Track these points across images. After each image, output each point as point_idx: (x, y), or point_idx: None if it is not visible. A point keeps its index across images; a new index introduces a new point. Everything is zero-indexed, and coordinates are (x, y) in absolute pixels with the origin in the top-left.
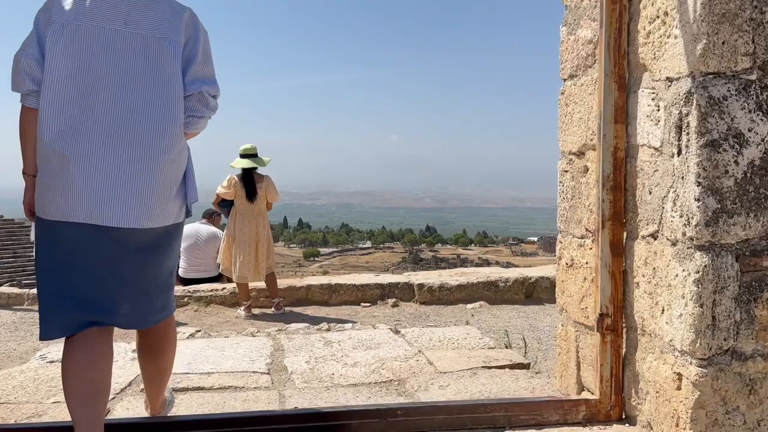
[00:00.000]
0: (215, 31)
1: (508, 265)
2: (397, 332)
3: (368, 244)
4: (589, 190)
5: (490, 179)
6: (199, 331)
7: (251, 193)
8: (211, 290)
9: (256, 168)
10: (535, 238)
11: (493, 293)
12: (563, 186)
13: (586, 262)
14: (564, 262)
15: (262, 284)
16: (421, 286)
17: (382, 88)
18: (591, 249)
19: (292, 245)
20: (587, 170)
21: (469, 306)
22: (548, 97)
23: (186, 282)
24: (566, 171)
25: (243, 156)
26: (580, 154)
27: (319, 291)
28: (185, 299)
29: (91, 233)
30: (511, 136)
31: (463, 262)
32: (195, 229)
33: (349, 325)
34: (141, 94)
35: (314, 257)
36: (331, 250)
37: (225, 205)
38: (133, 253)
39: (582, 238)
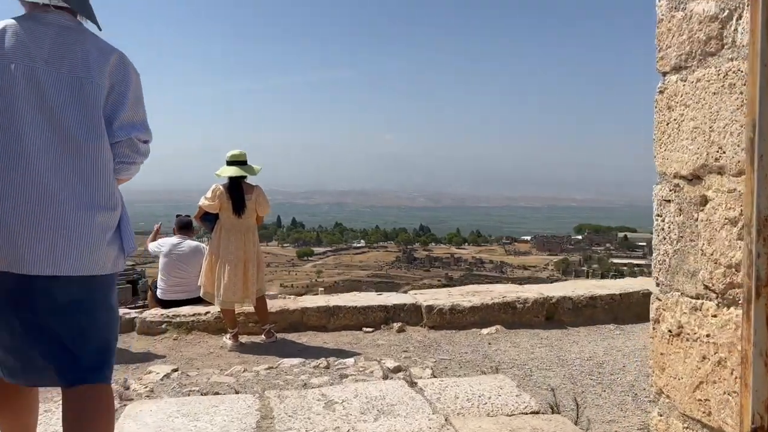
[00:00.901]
0: (207, 27)
1: (503, 264)
2: (413, 384)
3: (362, 243)
4: (711, 231)
5: (484, 178)
6: (176, 370)
7: (239, 206)
8: (193, 314)
9: (245, 177)
10: (528, 237)
11: (510, 316)
12: (664, 222)
13: (707, 335)
14: (665, 328)
15: (250, 308)
16: (430, 308)
17: (377, 87)
18: (714, 317)
19: (285, 244)
20: (706, 202)
21: (485, 331)
22: (542, 98)
23: (165, 304)
24: (669, 201)
25: (230, 163)
26: (695, 178)
27: (315, 314)
28: (163, 325)
29: (7, 280)
30: (505, 136)
31: (457, 262)
32: (173, 243)
33: (351, 360)
34: (64, 136)
35: (308, 257)
36: (324, 249)
37: (208, 219)
38: (55, 303)
39: (697, 298)
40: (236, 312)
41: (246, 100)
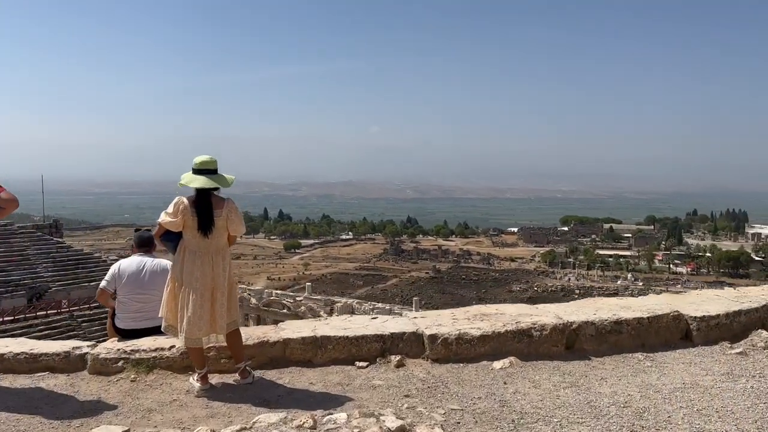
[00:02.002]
0: (187, 15)
1: (490, 256)
2: None
3: (350, 235)
4: None
5: (471, 171)
6: (127, 431)
7: (207, 224)
8: (155, 349)
9: (216, 189)
10: (515, 229)
11: (526, 345)
12: None
13: None
14: None
15: (223, 341)
16: (433, 338)
17: (363, 79)
18: None
19: (272, 237)
20: None
21: (497, 365)
22: (527, 90)
23: (126, 334)
24: None
25: (198, 171)
26: None
27: (300, 347)
28: (120, 363)
29: None
30: (491, 128)
31: (445, 254)
32: (135, 263)
33: (343, 417)
34: None
35: (295, 249)
36: (312, 241)
37: (170, 238)
38: None
39: None
40: (206, 347)
41: (231, 91)
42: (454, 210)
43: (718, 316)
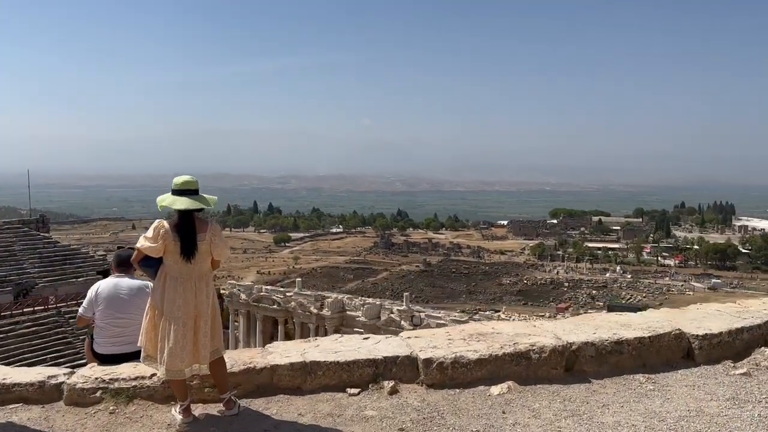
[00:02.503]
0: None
1: (480, 249)
2: None
3: (340, 228)
4: None
5: (460, 163)
6: None
7: (189, 248)
8: (136, 378)
9: (201, 209)
10: (505, 222)
11: (524, 368)
12: None
13: None
14: None
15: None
16: (428, 362)
17: (354, 71)
18: None
19: (262, 230)
20: None
21: (495, 390)
22: (518, 85)
23: (105, 360)
24: None
25: (179, 192)
26: None
27: (288, 374)
28: (98, 393)
29: None
30: (480, 121)
31: (435, 247)
32: (112, 284)
33: None
34: None
35: (285, 243)
36: (302, 235)
37: (150, 264)
38: None
39: None
40: (188, 377)
41: (221, 84)
42: (444, 203)
43: (720, 334)
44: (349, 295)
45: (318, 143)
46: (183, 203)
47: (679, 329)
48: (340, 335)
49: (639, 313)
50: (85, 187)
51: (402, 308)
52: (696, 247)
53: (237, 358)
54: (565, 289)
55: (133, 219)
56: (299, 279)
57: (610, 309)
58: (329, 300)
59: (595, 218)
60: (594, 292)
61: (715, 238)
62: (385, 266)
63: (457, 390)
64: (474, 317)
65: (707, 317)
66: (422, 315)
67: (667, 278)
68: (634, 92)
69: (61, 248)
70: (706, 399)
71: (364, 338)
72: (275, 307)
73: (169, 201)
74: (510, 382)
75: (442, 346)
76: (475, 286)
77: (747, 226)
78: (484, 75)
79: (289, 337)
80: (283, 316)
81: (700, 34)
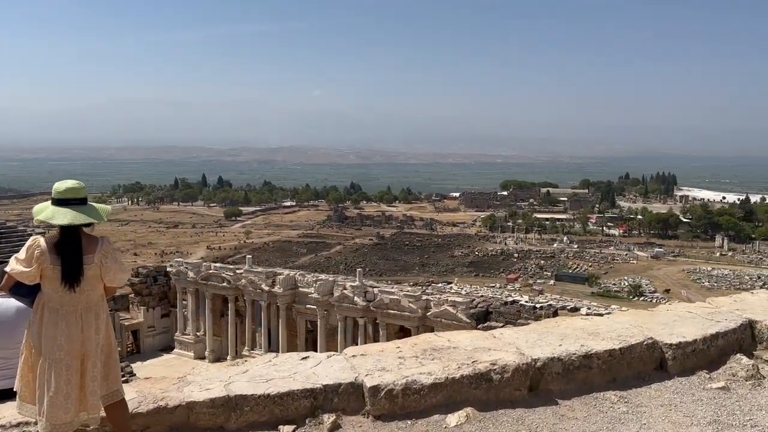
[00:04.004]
0: None
1: (432, 222)
2: None
3: (292, 202)
4: None
5: (414, 135)
6: None
7: (72, 273)
8: (18, 425)
9: (89, 224)
10: (457, 194)
11: (484, 391)
12: None
13: None
14: None
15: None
16: (375, 390)
17: (304, 40)
18: None
19: (212, 204)
20: None
21: (452, 421)
22: (467, 56)
23: None
24: None
25: (60, 202)
26: None
27: (208, 411)
28: None
29: None
30: (433, 92)
31: (388, 220)
32: None
33: None
34: None
35: (236, 217)
36: (253, 209)
37: (23, 292)
38: None
39: None
40: (77, 428)
41: (166, 52)
42: (397, 175)
43: (694, 341)
44: (301, 272)
45: (269, 114)
46: (65, 216)
47: (652, 338)
48: (275, 355)
49: (606, 316)
50: (24, 160)
51: (355, 284)
52: (639, 217)
53: (147, 394)
54: (515, 259)
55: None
56: (249, 256)
57: (558, 278)
58: (281, 277)
59: (544, 190)
60: (542, 262)
61: (657, 208)
62: (338, 240)
63: (409, 422)
64: (426, 291)
65: (678, 321)
66: (375, 291)
67: (612, 248)
68: (581, 65)
69: None
70: (685, 424)
71: (302, 358)
72: (225, 284)
73: (47, 213)
74: (469, 409)
75: (392, 367)
76: (428, 259)
77: (688, 196)
78: (433, 46)
79: (240, 315)
80: (234, 294)
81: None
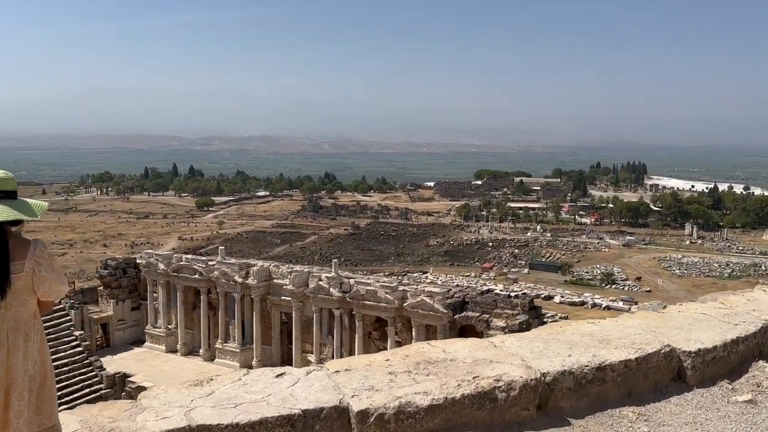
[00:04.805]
0: None
1: (407, 211)
2: None
3: (266, 192)
4: None
5: (388, 125)
6: None
7: None
8: None
9: (18, 222)
10: (432, 183)
11: (488, 413)
12: None
13: None
14: None
15: None
16: (363, 415)
17: (276, 28)
18: None
19: (183, 194)
20: None
21: None
22: (441, 45)
23: None
24: None
25: None
26: None
27: None
28: None
29: None
30: (407, 82)
31: (363, 209)
32: None
33: None
34: None
35: (208, 207)
36: (226, 198)
37: None
38: None
39: None
40: None
41: (136, 38)
42: (372, 165)
43: (714, 348)
44: (275, 263)
45: (241, 103)
46: None
47: (669, 346)
48: (246, 372)
49: (615, 320)
50: None
51: (331, 275)
52: (611, 205)
53: (92, 423)
54: (490, 248)
55: (44, 183)
56: (222, 247)
57: (532, 267)
58: (254, 268)
59: (517, 179)
60: (516, 251)
61: (628, 196)
62: (313, 230)
63: None
64: (403, 281)
65: (694, 324)
66: (351, 282)
67: (584, 236)
68: (553, 56)
69: None
70: None
71: (277, 375)
72: (197, 276)
73: None
74: None
75: (382, 386)
76: (404, 248)
77: (657, 184)
78: (405, 36)
79: (212, 307)
80: (206, 286)
81: None
